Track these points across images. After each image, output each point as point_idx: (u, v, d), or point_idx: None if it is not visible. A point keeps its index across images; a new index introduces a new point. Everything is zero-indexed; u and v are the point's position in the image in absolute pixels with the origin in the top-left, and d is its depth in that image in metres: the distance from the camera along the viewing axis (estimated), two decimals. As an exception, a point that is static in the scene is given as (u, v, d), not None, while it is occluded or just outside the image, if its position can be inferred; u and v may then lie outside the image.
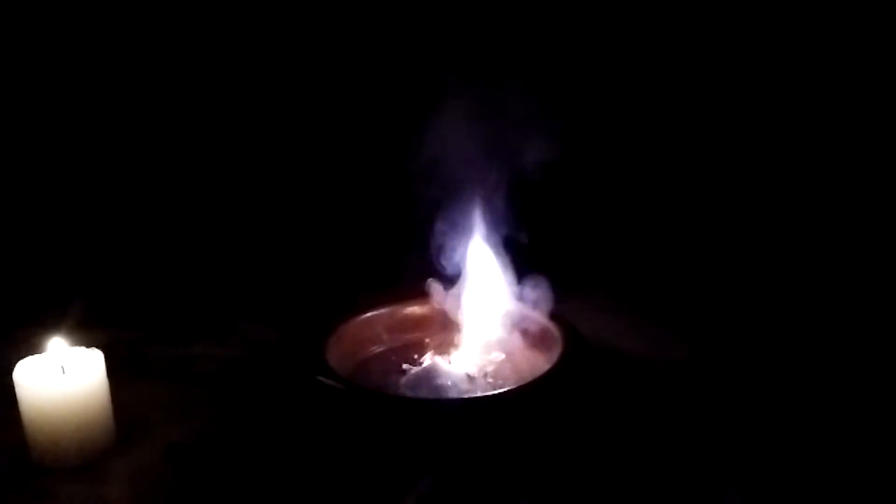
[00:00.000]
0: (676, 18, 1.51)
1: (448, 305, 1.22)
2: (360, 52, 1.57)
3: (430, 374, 1.15)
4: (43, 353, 1.03)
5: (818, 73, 1.48)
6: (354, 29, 1.56)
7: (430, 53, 1.40)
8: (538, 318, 1.18)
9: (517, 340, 1.19)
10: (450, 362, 1.17)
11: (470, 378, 1.14)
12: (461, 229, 1.22)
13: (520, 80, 1.30)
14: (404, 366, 1.18)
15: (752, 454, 1.01)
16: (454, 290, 1.21)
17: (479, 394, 1.11)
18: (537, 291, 1.18)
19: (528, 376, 1.09)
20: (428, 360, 1.18)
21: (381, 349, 1.23)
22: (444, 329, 1.23)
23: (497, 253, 1.21)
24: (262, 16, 1.59)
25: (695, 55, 1.52)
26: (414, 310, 1.25)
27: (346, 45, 1.58)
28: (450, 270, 1.22)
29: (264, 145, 1.69)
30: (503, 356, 1.19)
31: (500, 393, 1.08)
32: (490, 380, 1.14)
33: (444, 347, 1.21)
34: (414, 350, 1.22)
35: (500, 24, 1.43)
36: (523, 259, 1.21)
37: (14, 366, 1.01)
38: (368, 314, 1.23)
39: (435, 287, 1.22)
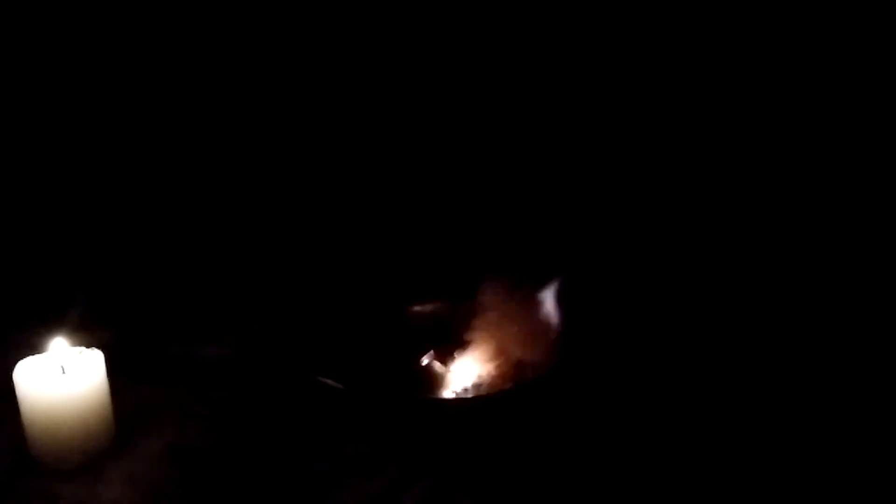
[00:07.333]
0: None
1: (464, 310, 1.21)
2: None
3: (429, 375, 1.15)
4: (43, 353, 1.03)
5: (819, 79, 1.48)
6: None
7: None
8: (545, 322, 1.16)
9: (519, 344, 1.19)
10: (449, 364, 1.17)
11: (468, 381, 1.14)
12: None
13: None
14: (404, 366, 1.18)
15: (747, 451, 1.01)
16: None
17: (479, 394, 1.11)
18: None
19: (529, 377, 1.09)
20: (427, 360, 1.18)
21: (381, 349, 1.23)
22: (447, 331, 1.23)
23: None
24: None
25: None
26: (417, 310, 1.25)
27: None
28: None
29: (265, 145, 1.68)
30: (503, 360, 1.19)
31: (499, 393, 1.08)
32: (487, 381, 1.14)
33: (446, 350, 1.21)
34: (415, 350, 1.22)
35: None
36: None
37: (14, 366, 1.01)
38: (371, 313, 1.23)
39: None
